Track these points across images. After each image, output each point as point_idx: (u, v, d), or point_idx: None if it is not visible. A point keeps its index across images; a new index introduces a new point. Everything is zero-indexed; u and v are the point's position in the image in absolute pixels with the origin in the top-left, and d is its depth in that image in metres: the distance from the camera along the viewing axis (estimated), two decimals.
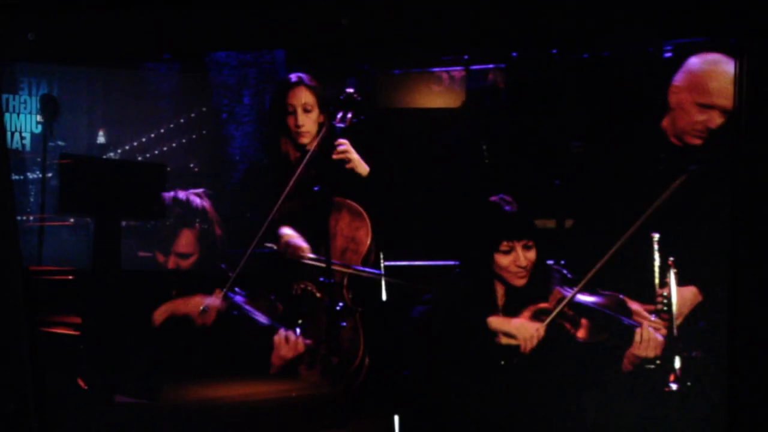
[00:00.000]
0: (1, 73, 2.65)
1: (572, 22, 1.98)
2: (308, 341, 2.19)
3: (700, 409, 1.97)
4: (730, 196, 1.95)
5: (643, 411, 2.00)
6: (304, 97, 2.23)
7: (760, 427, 2.00)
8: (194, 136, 2.78)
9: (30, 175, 3.01)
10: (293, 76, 2.27)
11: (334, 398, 2.41)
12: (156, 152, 2.87)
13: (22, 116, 2.97)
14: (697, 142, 1.93)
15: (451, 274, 2.07)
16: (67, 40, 2.48)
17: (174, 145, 2.81)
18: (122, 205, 2.84)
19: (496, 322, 2.05)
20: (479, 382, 2.01)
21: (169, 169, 2.74)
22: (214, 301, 2.31)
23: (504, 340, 1.99)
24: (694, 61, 1.93)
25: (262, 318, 2.25)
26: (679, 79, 1.94)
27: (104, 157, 2.93)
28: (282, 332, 2.20)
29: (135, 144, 2.89)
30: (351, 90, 2.24)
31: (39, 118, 2.97)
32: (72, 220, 2.94)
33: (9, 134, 2.81)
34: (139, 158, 2.87)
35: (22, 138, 2.95)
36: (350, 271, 2.17)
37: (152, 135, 2.87)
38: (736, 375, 1.97)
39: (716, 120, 1.91)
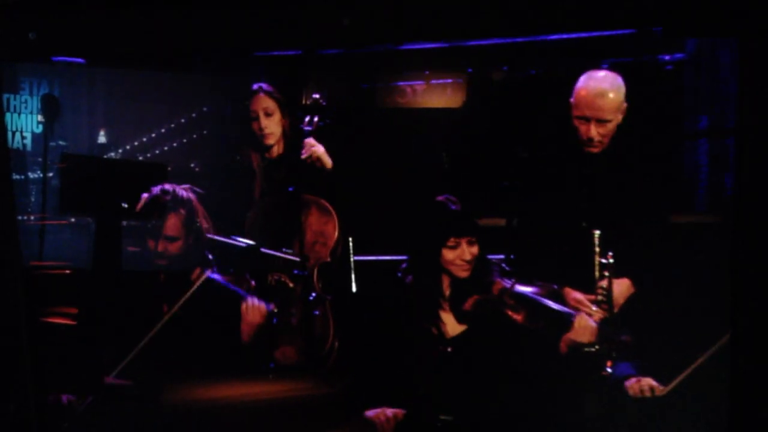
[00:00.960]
0: (2, 73, 2.60)
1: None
2: (271, 306, 2.40)
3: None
4: (732, 197, 2.04)
5: (581, 401, 2.17)
6: (264, 103, 2.45)
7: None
8: (195, 136, 2.86)
9: (31, 175, 3.02)
10: (254, 86, 2.49)
11: (333, 399, 2.54)
12: (157, 152, 2.92)
13: (23, 116, 2.96)
14: (595, 150, 2.09)
15: (401, 267, 2.26)
16: (68, 39, 2.46)
17: (175, 144, 2.87)
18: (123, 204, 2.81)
19: None
20: (426, 364, 2.22)
21: (170, 168, 2.79)
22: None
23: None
24: (581, 80, 2.09)
25: (235, 288, 2.46)
26: (573, 98, 2.10)
27: (105, 156, 2.98)
28: (248, 300, 2.42)
29: (136, 144, 2.95)
30: (317, 96, 2.44)
31: (40, 117, 2.97)
32: (72, 219, 2.98)
33: (10, 134, 2.81)
34: (140, 158, 2.92)
35: (23, 137, 2.95)
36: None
37: (153, 135, 2.93)
38: (737, 377, 1.99)
39: (594, 131, 2.06)
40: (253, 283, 2.48)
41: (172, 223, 2.60)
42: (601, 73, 2.06)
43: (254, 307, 2.41)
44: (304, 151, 2.41)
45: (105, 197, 2.84)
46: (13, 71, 2.89)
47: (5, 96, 2.74)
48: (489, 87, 2.17)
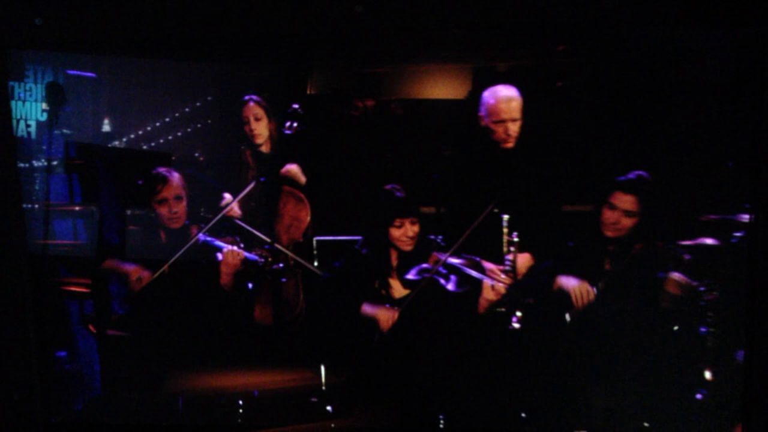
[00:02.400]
0: (7, 61, 2.58)
1: None
2: (249, 254, 2.88)
3: (538, 344, 2.72)
4: (750, 192, 2.27)
5: (495, 348, 2.74)
6: (253, 110, 2.95)
7: None
8: (199, 126, 2.99)
9: (35, 163, 2.98)
10: (246, 97, 2.96)
11: (339, 388, 2.83)
12: (161, 141, 2.99)
13: (27, 104, 2.91)
14: (509, 146, 2.69)
15: (356, 245, 2.83)
16: (75, 26, 2.45)
17: (179, 134, 2.96)
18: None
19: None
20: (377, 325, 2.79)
21: (174, 158, 2.97)
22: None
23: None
24: (485, 95, 2.69)
25: (220, 243, 2.92)
26: (481, 110, 2.70)
27: (109, 145, 3.00)
28: (227, 248, 2.91)
29: (140, 132, 3.00)
30: (296, 106, 2.96)
31: (44, 105, 2.93)
32: (77, 208, 3.04)
33: (14, 122, 2.76)
34: (144, 147, 2.99)
35: (27, 126, 2.91)
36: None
37: (157, 124, 2.98)
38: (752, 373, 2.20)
39: (510, 128, 2.67)
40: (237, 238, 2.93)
41: (175, 185, 2.94)
42: (500, 86, 2.67)
43: (232, 252, 2.88)
44: (282, 172, 2.96)
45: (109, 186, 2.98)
46: (19, 58, 2.84)
47: (10, 83, 2.71)
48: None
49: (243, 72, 2.95)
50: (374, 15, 2.26)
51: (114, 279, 2.97)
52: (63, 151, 2.96)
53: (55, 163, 2.96)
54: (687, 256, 2.53)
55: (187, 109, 2.97)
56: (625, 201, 2.58)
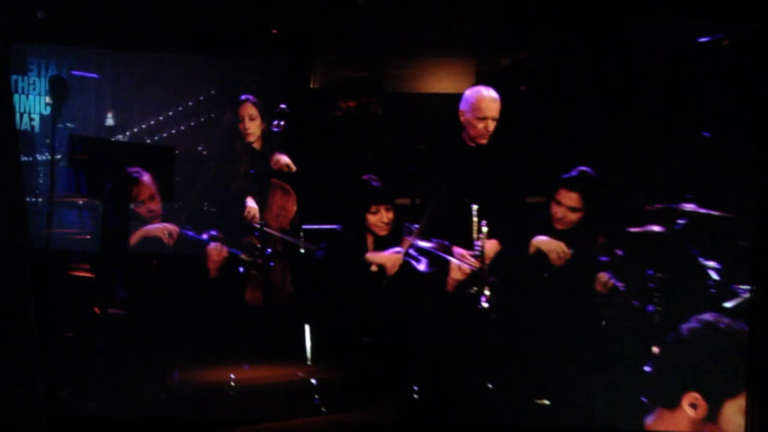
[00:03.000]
0: (10, 54, 2.57)
1: None
2: (232, 250, 3.09)
3: (499, 319, 3.01)
4: (754, 190, 2.45)
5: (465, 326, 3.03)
6: (249, 109, 3.17)
7: None
8: (202, 119, 3.06)
9: (39, 157, 2.98)
10: (242, 97, 3.17)
11: (341, 382, 2.96)
12: (164, 135, 3.04)
13: (31, 97, 2.89)
14: (484, 141, 2.98)
15: (339, 229, 3.11)
16: (77, 19, 2.49)
17: (182, 128, 3.02)
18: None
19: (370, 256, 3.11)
20: (358, 301, 3.05)
21: (177, 152, 3.05)
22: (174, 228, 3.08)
23: (374, 268, 3.07)
24: (468, 93, 2.97)
25: (204, 236, 3.14)
26: (462, 106, 2.99)
27: (112, 139, 3.03)
28: (212, 244, 3.13)
29: (143, 126, 3.03)
30: (283, 106, 3.21)
31: (48, 99, 2.92)
32: (81, 201, 3.08)
33: (18, 115, 2.77)
34: (147, 141, 3.04)
35: (31, 119, 2.90)
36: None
37: (161, 118, 3.02)
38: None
39: (490, 125, 2.95)
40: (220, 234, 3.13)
41: (146, 184, 3.07)
42: (482, 86, 2.95)
43: (215, 248, 3.10)
44: (273, 164, 3.19)
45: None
46: (22, 52, 2.82)
47: (13, 77, 2.74)
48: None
49: (241, 71, 3.11)
50: (376, 8, 2.39)
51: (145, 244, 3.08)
52: (66, 144, 2.99)
53: (58, 156, 2.97)
54: (619, 252, 2.82)
55: (191, 103, 3.06)
56: (569, 198, 2.88)
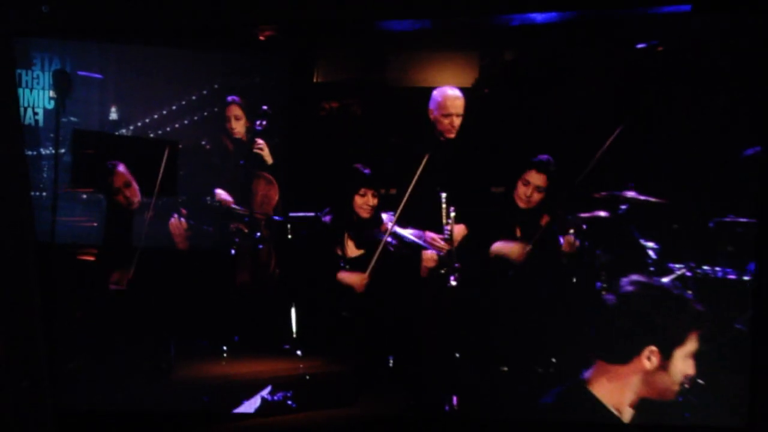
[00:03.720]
0: (15, 48, 2.56)
1: None
2: (189, 220, 3.34)
3: (466, 296, 3.35)
4: (759, 185, 2.57)
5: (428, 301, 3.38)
6: (234, 110, 3.48)
7: None
8: (205, 114, 3.17)
9: (43, 151, 3.00)
10: (229, 98, 3.46)
11: (346, 376, 3.10)
12: (168, 129, 3.11)
13: (35, 92, 2.91)
14: (451, 136, 3.32)
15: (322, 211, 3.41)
16: (81, 13, 2.46)
17: (186, 122, 3.12)
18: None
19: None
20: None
21: (180, 146, 3.14)
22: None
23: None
24: (435, 92, 3.30)
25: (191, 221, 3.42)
26: (431, 105, 3.32)
27: (116, 133, 3.07)
28: (173, 218, 3.39)
29: (147, 121, 3.08)
30: (266, 107, 3.52)
31: (52, 93, 2.93)
32: (84, 195, 3.13)
33: (21, 109, 2.81)
34: (151, 135, 3.10)
35: (35, 113, 2.91)
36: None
37: (164, 112, 3.09)
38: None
39: (455, 121, 3.29)
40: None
41: (120, 174, 3.23)
42: (448, 87, 3.28)
43: (174, 222, 3.34)
44: (254, 147, 3.51)
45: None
46: (26, 46, 2.83)
47: (17, 71, 2.74)
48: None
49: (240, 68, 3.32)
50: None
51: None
52: (69, 138, 3.04)
53: (62, 150, 3.00)
54: (584, 226, 3.21)
55: (194, 97, 3.21)
56: (537, 178, 3.24)
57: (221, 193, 3.52)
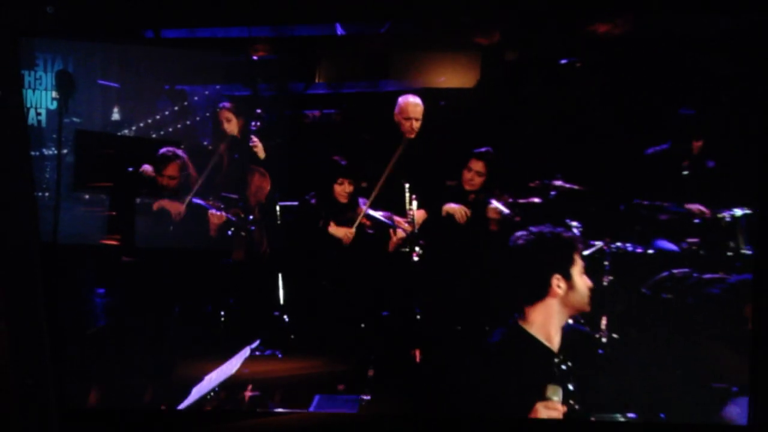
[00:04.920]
0: (19, 49, 2.53)
1: None
2: (227, 214, 3.96)
3: (428, 270, 4.01)
4: (758, 185, 2.68)
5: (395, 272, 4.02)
6: (226, 114, 4.05)
7: None
8: (207, 114, 3.37)
9: (45, 152, 3.00)
10: (220, 105, 3.98)
11: (349, 375, 3.31)
12: (170, 129, 3.26)
13: (37, 92, 2.89)
14: (412, 136, 3.96)
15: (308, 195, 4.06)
16: (86, 14, 2.47)
17: (188, 122, 3.27)
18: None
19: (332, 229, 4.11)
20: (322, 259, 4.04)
21: (183, 146, 3.39)
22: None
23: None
24: (400, 99, 3.91)
25: (205, 204, 3.99)
26: (396, 109, 3.95)
27: (119, 133, 3.15)
28: (213, 210, 4.02)
29: (149, 121, 3.17)
30: (259, 111, 4.21)
31: (54, 94, 2.92)
32: (87, 196, 3.18)
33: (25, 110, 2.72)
34: (153, 135, 3.21)
35: (37, 114, 2.90)
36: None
37: (166, 112, 3.20)
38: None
39: (414, 124, 3.94)
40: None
41: (172, 168, 3.77)
42: (410, 95, 3.92)
43: (215, 214, 3.99)
44: (251, 143, 4.21)
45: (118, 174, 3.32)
46: (28, 47, 2.79)
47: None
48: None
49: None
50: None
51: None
52: (72, 139, 3.09)
53: (65, 151, 3.02)
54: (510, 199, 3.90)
55: (196, 98, 3.49)
56: (478, 165, 3.92)
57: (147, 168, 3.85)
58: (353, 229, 4.00)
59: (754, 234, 3.47)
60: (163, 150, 3.73)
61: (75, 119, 3.01)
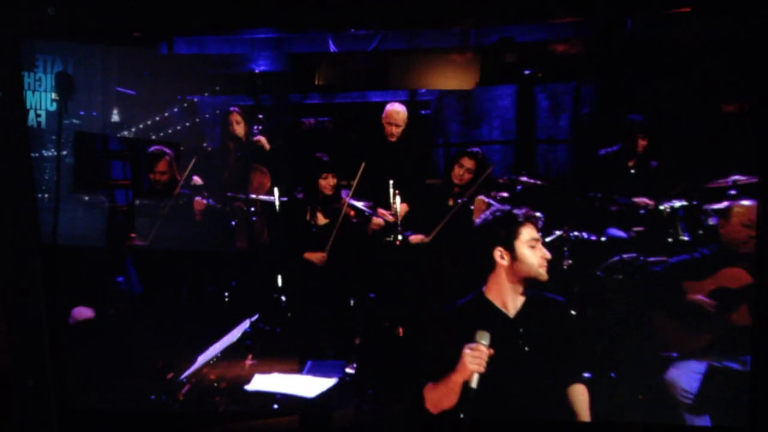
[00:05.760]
0: (20, 51, 2.51)
1: None
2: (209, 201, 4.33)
3: (407, 253, 4.54)
4: (759, 186, 2.64)
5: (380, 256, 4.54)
6: (235, 117, 4.56)
7: None
8: (207, 116, 3.42)
9: (45, 153, 2.98)
10: (230, 108, 4.42)
11: (337, 344, 3.48)
12: (170, 131, 3.30)
13: (37, 94, 2.86)
14: (394, 139, 4.51)
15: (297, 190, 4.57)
16: (87, 15, 2.43)
17: (188, 124, 3.30)
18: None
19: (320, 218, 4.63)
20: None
21: (182, 148, 3.52)
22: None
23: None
24: (387, 106, 4.49)
25: (211, 201, 4.40)
26: (383, 114, 4.52)
27: (119, 135, 3.18)
28: (198, 198, 4.31)
29: (149, 122, 3.18)
30: (261, 116, 4.75)
31: (54, 95, 2.90)
32: (87, 198, 3.22)
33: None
34: (153, 137, 3.27)
35: (37, 115, 2.88)
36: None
37: (166, 114, 3.23)
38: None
39: (395, 129, 4.50)
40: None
41: (162, 164, 4.04)
42: (396, 102, 4.48)
43: (198, 201, 4.29)
44: (255, 139, 4.75)
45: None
46: (28, 48, 2.76)
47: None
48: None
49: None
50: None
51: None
52: (72, 140, 3.09)
53: (65, 152, 3.00)
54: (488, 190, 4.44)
55: (195, 99, 3.60)
56: (468, 162, 4.42)
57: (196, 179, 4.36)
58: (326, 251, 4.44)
59: (689, 222, 4.01)
60: (152, 149, 3.93)
61: (74, 120, 3.01)
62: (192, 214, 4.45)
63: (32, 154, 2.73)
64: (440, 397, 3.25)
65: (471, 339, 3.37)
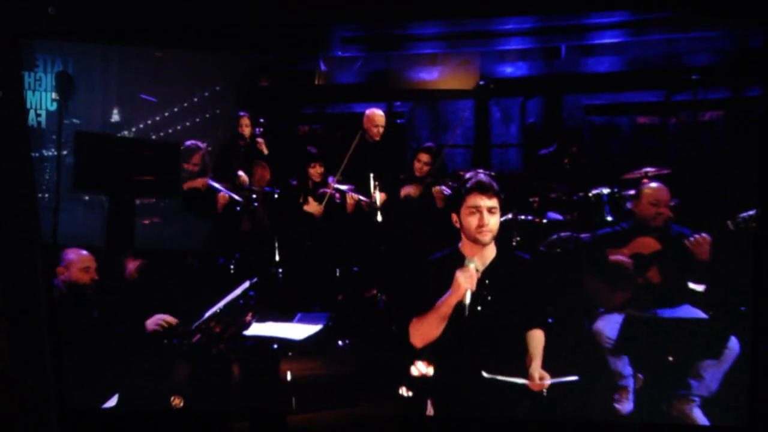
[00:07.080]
0: (21, 51, 2.47)
1: None
2: (231, 193, 5.16)
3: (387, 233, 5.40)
4: (758, 186, 2.60)
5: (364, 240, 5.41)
6: (244, 120, 5.35)
7: None
8: (207, 116, 3.43)
9: (45, 153, 2.93)
10: (240, 113, 5.16)
11: (347, 379, 3.36)
12: (170, 131, 3.27)
13: (37, 93, 2.82)
14: (377, 139, 5.43)
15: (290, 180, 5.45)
16: (87, 15, 2.38)
17: (188, 123, 3.26)
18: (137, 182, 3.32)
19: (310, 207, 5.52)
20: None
21: (182, 147, 3.70)
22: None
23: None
24: (367, 111, 5.46)
25: (219, 186, 5.11)
26: (364, 118, 5.49)
27: (119, 135, 3.11)
28: (224, 191, 4.99)
29: (149, 122, 3.15)
30: (262, 120, 5.64)
31: (54, 95, 2.86)
32: (87, 197, 3.21)
33: None
34: (153, 137, 3.23)
35: (37, 115, 2.84)
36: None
37: (166, 114, 3.18)
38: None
39: (374, 131, 5.43)
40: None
41: (197, 157, 4.69)
42: (376, 108, 5.44)
43: (223, 195, 4.98)
44: (256, 142, 5.66)
45: (119, 175, 3.32)
46: (28, 48, 2.71)
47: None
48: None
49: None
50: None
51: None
52: (72, 140, 3.04)
53: (65, 152, 2.95)
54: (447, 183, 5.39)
55: (196, 99, 3.62)
56: (424, 156, 5.34)
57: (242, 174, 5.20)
58: (322, 206, 5.25)
59: (614, 207, 5.03)
60: (188, 143, 4.43)
61: (75, 120, 2.94)
62: (214, 204, 5.05)
63: (32, 154, 2.70)
64: (429, 326, 3.47)
65: (448, 287, 3.48)
